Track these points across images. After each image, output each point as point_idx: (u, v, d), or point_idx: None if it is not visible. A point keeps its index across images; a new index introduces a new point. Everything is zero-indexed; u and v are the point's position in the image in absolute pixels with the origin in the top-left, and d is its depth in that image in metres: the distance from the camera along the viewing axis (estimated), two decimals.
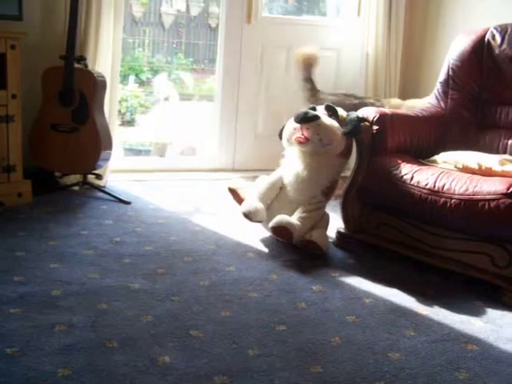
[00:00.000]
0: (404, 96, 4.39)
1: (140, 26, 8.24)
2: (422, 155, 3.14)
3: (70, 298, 2.34)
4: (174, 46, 8.32)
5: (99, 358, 1.95)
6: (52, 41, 3.71)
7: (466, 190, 2.63)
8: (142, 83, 7.29)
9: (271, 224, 2.98)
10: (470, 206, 2.59)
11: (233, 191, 3.35)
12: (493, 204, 2.53)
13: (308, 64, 3.97)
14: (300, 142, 3.02)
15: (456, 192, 2.65)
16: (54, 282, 2.47)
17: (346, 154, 3.14)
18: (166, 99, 7.08)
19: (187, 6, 8.26)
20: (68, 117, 3.55)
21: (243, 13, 4.39)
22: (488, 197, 2.55)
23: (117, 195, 3.70)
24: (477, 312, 2.50)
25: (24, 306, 2.24)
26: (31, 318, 2.16)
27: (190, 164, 4.64)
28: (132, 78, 7.10)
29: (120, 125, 5.86)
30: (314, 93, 3.93)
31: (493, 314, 2.49)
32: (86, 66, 3.60)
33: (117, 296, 2.40)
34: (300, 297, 2.53)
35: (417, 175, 2.83)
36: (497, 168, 2.76)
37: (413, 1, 4.62)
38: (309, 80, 3.96)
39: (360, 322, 2.35)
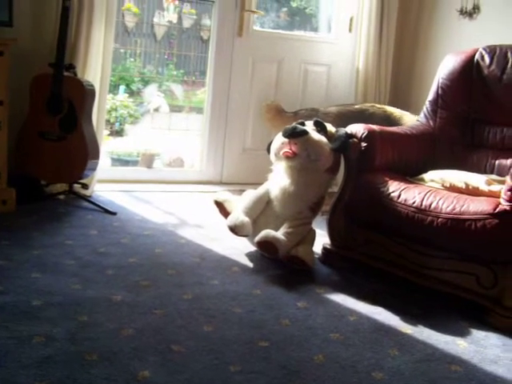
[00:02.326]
0: None
1: (132, 37, 8.24)
2: (410, 173, 3.13)
3: (50, 309, 2.30)
4: (166, 57, 8.32)
5: (77, 372, 1.91)
6: (42, 48, 3.68)
7: (453, 209, 2.62)
8: (132, 93, 7.28)
9: (257, 239, 2.97)
10: (457, 225, 2.59)
11: (219, 204, 3.33)
12: (479, 224, 2.53)
13: (274, 107, 4.07)
14: (288, 157, 3.01)
15: (443, 211, 2.65)
16: (34, 292, 2.43)
17: (334, 169, 3.13)
18: (156, 110, 7.07)
19: (179, 18, 8.28)
20: (55, 125, 3.52)
21: (235, 26, 4.40)
22: (475, 216, 2.55)
23: (102, 205, 3.67)
24: (461, 332, 2.49)
25: (3, 317, 2.20)
26: (10, 329, 2.12)
27: (177, 176, 4.62)
28: (122, 87, 7.09)
29: (109, 135, 5.83)
30: (310, 111, 3.97)
31: (477, 334, 2.48)
32: (75, 74, 3.57)
33: (98, 308, 2.36)
34: (284, 313, 2.51)
35: (404, 193, 2.82)
36: (484, 188, 2.76)
37: (403, 19, 4.66)
38: (289, 113, 4.03)
39: (344, 339, 2.32)
